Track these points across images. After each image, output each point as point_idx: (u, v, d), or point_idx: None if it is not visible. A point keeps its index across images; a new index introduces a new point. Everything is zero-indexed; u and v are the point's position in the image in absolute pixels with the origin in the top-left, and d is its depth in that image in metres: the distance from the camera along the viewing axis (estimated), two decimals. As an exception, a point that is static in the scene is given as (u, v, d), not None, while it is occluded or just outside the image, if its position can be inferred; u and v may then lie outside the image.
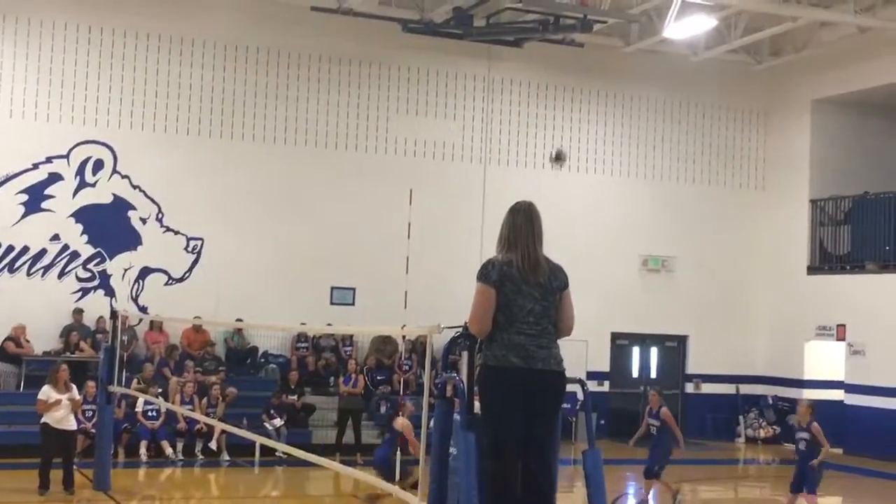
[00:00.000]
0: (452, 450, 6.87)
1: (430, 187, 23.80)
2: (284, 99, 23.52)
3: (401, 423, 16.39)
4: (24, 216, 21.70)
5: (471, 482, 6.38)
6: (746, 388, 26.54)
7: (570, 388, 6.96)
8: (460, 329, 6.91)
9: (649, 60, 25.66)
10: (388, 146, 24.22)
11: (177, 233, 22.77)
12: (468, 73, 24.94)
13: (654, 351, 26.65)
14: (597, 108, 26.01)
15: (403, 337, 22.18)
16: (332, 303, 23.49)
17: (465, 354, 6.85)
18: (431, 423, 7.46)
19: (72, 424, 15.66)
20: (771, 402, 26.10)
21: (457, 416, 6.83)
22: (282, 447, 14.57)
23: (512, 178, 24.29)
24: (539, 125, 25.47)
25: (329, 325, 20.49)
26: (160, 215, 22.65)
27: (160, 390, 19.99)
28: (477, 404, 6.69)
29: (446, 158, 24.70)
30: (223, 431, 19.45)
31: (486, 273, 6.61)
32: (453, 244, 23.87)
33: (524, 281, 6.61)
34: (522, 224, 6.76)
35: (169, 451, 19.80)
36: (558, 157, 15.22)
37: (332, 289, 23.69)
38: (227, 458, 19.89)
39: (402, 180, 23.45)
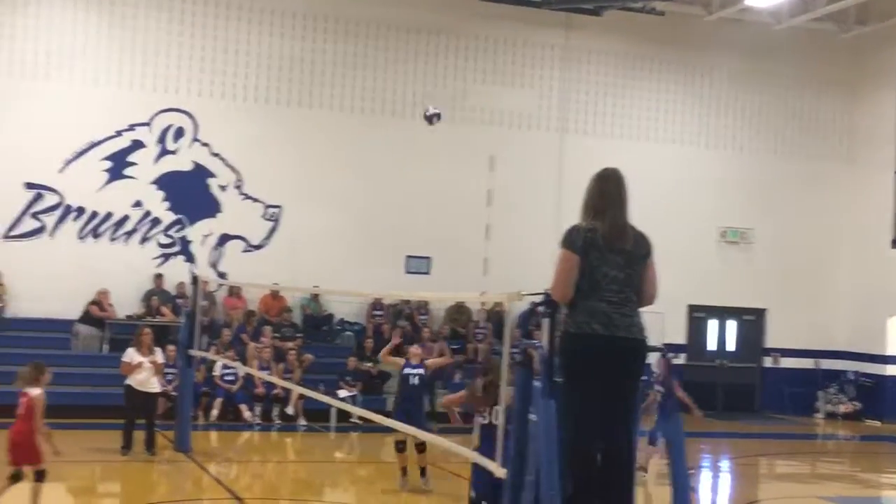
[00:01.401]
0: (532, 416, 6.87)
1: (507, 156, 23.79)
2: (362, 68, 23.59)
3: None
4: (107, 183, 22.09)
5: (551, 449, 6.38)
6: (827, 363, 26.17)
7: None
8: (541, 296, 6.88)
9: (731, 29, 25.28)
10: (466, 115, 24.18)
11: (255, 200, 23.02)
12: (545, 42, 24.78)
13: (731, 324, 26.36)
14: (676, 78, 25.70)
15: (483, 304, 22.26)
16: (407, 272, 23.59)
17: (546, 321, 6.83)
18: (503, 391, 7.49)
19: (154, 387, 15.97)
20: (853, 377, 25.71)
21: (537, 384, 6.82)
22: (358, 411, 14.67)
23: (589, 147, 24.13)
24: (617, 94, 25.26)
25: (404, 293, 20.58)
26: (239, 183, 22.91)
27: (237, 358, 20.27)
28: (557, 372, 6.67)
29: (523, 127, 24.62)
30: (300, 397, 19.71)
31: (571, 239, 6.57)
32: (530, 213, 23.82)
33: (609, 248, 6.56)
34: (612, 191, 6.70)
35: (247, 414, 20.11)
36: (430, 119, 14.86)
37: (408, 258, 23.79)
38: (303, 423, 20.15)
39: (480, 149, 23.49)
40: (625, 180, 6.79)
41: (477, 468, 9.17)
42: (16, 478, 11.03)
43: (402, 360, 14.25)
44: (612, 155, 23.01)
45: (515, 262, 22.22)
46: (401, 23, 23.82)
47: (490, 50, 24.47)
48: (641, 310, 6.81)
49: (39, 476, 11.04)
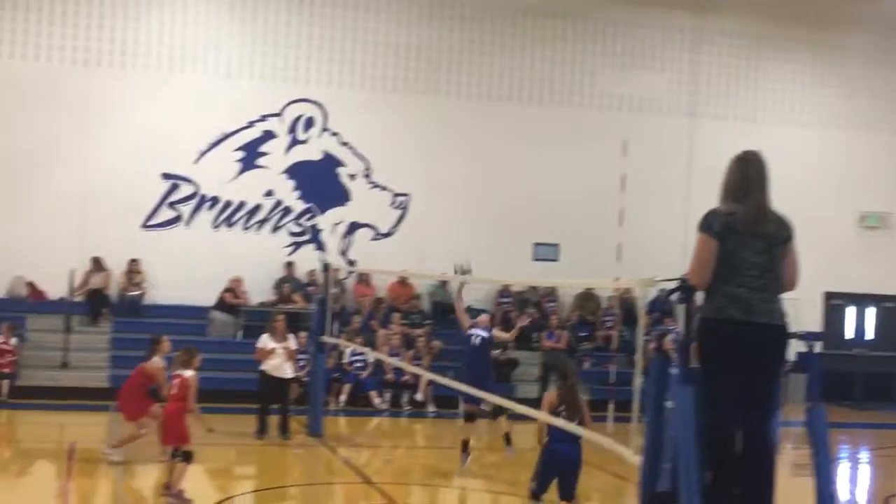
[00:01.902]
0: (668, 403, 6.74)
1: (636, 141, 23.42)
2: (489, 55, 23.57)
3: None
4: (240, 173, 22.54)
5: (688, 437, 6.26)
6: (971, 352, 25.22)
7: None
8: (677, 282, 6.74)
9: (865, 6, 24.46)
10: (594, 101, 23.98)
11: (384, 189, 23.21)
12: (676, 25, 24.36)
13: (870, 311, 25.56)
14: (809, 58, 25.01)
15: (616, 290, 22.05)
16: (534, 258, 23.52)
17: (682, 307, 6.69)
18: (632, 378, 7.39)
19: (287, 372, 16.26)
20: None
21: (673, 370, 6.69)
22: (487, 398, 14.63)
23: (720, 131, 23.66)
24: (749, 77, 24.73)
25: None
26: (368, 171, 23.13)
27: (366, 344, 20.46)
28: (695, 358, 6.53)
29: (652, 112, 24.28)
30: (429, 383, 19.81)
31: (709, 224, 6.41)
32: (659, 198, 23.48)
33: (749, 233, 6.39)
34: (753, 174, 6.52)
35: (377, 400, 20.33)
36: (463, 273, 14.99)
37: (536, 245, 23.71)
38: (432, 409, 20.26)
39: (608, 134, 23.21)
40: (766, 163, 6.60)
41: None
42: (176, 455, 11.40)
43: (469, 321, 14.19)
44: (745, 138, 22.37)
45: (646, 248, 21.88)
46: (527, 7, 23.72)
47: (619, 34, 24.18)
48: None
49: (186, 457, 11.37)
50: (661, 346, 7.65)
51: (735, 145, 7.18)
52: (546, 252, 23.63)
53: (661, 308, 21.65)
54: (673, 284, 6.75)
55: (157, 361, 13.77)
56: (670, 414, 6.65)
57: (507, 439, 13.91)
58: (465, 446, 13.94)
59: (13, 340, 19.41)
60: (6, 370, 19.09)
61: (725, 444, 6.35)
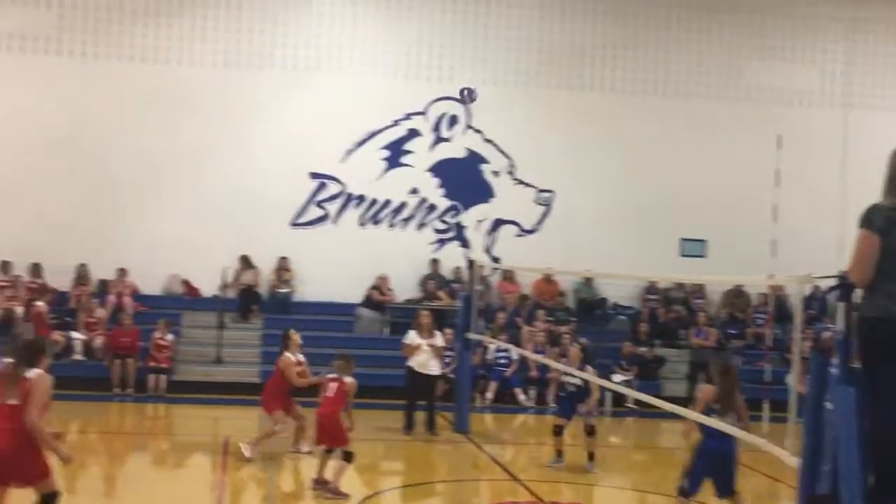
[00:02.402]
0: (828, 405, 6.53)
1: (788, 135, 22.79)
2: (633, 49, 23.29)
3: None
4: (385, 171, 22.80)
5: (850, 438, 6.05)
6: None
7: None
8: (835, 279, 6.53)
9: None
10: (745, 94, 23.46)
11: (528, 185, 23.17)
12: (830, 14, 23.62)
13: None
14: (973, 46, 23.95)
15: (771, 287, 21.55)
16: (681, 255, 23.15)
17: (841, 305, 6.46)
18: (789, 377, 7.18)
19: (434, 369, 16.36)
20: None
21: (833, 370, 6.47)
22: (634, 394, 14.50)
23: (876, 123, 22.83)
24: (906, 67, 23.83)
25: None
26: (512, 168, 23.12)
27: (511, 341, 20.45)
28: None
29: (805, 104, 23.61)
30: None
31: (870, 219, 6.17)
32: (813, 193, 22.81)
33: (912, 228, 6.12)
34: (919, 166, 6.24)
35: (522, 397, 20.30)
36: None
37: (682, 241, 23.34)
38: (578, 406, 20.07)
39: (760, 128, 22.70)
40: (928, 155, 6.31)
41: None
42: (329, 452, 11.77)
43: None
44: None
45: (798, 243, 21.28)
46: (674, 0, 23.34)
47: (769, 25, 23.59)
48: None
49: (347, 457, 11.62)
50: (818, 344, 7.42)
51: (892, 137, 6.92)
52: (693, 248, 23.24)
53: (816, 306, 21.08)
54: (831, 282, 6.54)
55: (287, 357, 14.04)
56: (830, 415, 6.44)
57: (591, 456, 13.78)
58: (559, 453, 14.08)
59: (169, 336, 20.05)
60: (163, 365, 19.73)
61: (889, 447, 6.11)
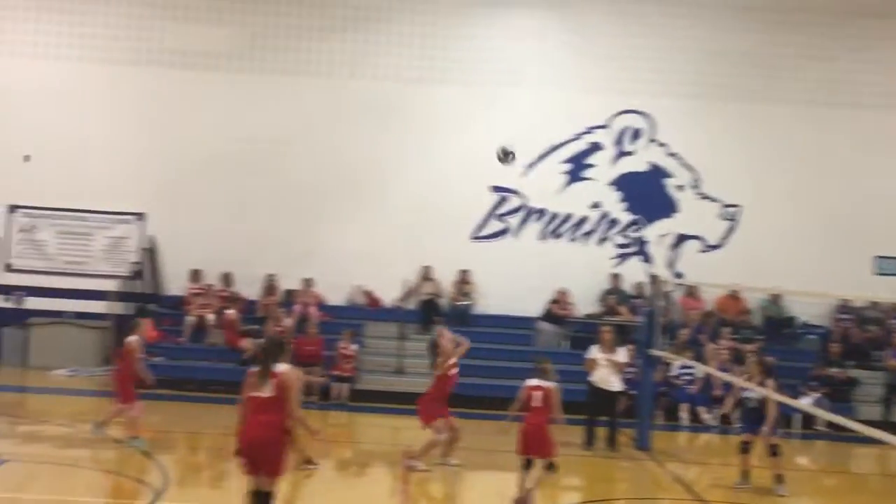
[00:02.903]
0: None
1: None
2: (818, 59, 22.60)
3: None
4: (567, 185, 22.71)
5: None
6: None
7: None
8: None
9: None
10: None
11: (713, 200, 22.69)
12: None
13: None
14: None
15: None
16: (877, 272, 22.23)
17: None
18: None
19: (614, 385, 16.14)
20: None
21: None
22: (826, 416, 13.92)
23: None
24: None
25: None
26: (696, 182, 22.69)
27: (695, 358, 20.00)
28: None
29: None
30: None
31: None
32: None
33: None
34: None
35: (705, 416, 19.83)
36: (505, 155, 13.54)
37: (877, 258, 22.41)
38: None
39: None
40: None
41: None
42: (528, 465, 11.72)
43: None
44: None
45: None
46: (859, 9, 22.48)
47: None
48: None
49: (550, 467, 11.56)
50: None
51: None
52: (889, 266, 22.28)
53: None
54: None
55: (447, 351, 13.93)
56: None
57: (778, 478, 13.25)
58: (744, 474, 13.68)
59: (353, 346, 20.43)
60: (347, 374, 20.11)
61: None
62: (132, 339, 14.35)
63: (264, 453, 8.77)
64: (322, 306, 21.96)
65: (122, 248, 22.55)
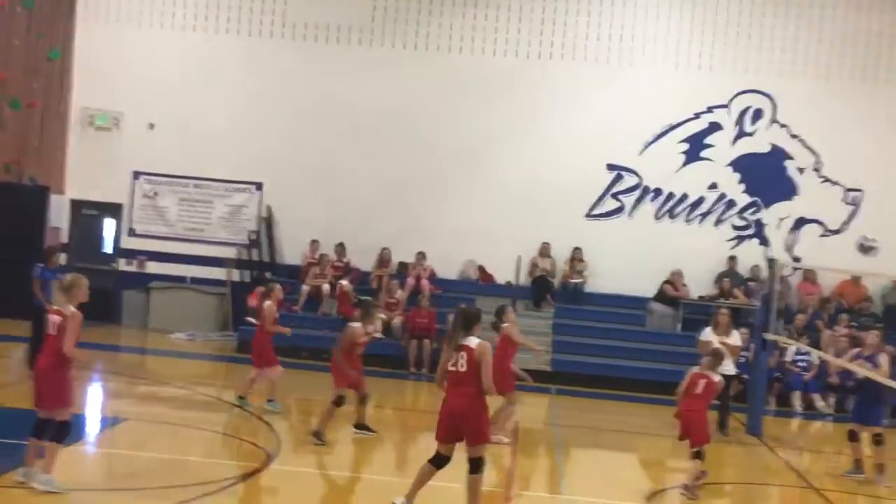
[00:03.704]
0: None
1: None
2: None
3: None
4: (684, 164, 22.43)
5: None
6: None
7: None
8: None
9: None
10: None
11: (835, 183, 22.19)
12: None
13: None
14: None
15: None
16: None
17: None
18: None
19: (728, 369, 15.88)
20: None
21: None
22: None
23: None
24: None
25: None
26: (818, 165, 22.21)
27: (811, 344, 19.63)
28: None
29: None
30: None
31: None
32: None
33: None
34: None
35: (820, 404, 19.46)
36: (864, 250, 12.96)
37: None
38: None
39: None
40: None
41: None
42: (697, 455, 11.66)
43: None
44: None
45: None
46: None
47: None
48: None
49: (697, 455, 11.53)
50: None
51: None
52: None
53: None
54: None
55: (508, 327, 13.56)
56: None
57: (880, 469, 12.89)
58: (857, 463, 13.36)
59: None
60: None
61: None
62: (267, 303, 14.61)
63: (466, 423, 9.07)
64: (434, 279, 22.11)
65: (241, 216, 23.02)
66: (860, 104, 22.05)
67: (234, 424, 13.75)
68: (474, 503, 9.21)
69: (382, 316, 20.02)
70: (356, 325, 13.01)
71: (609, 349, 20.67)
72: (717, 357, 12.17)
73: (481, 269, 22.62)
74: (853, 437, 13.40)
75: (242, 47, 23.05)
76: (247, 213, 23.03)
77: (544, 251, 22.25)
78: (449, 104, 22.61)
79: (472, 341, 9.08)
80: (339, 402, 12.61)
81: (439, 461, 9.31)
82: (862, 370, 13.14)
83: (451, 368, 9.14)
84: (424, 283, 21.68)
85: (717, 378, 11.89)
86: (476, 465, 9.16)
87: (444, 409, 9.25)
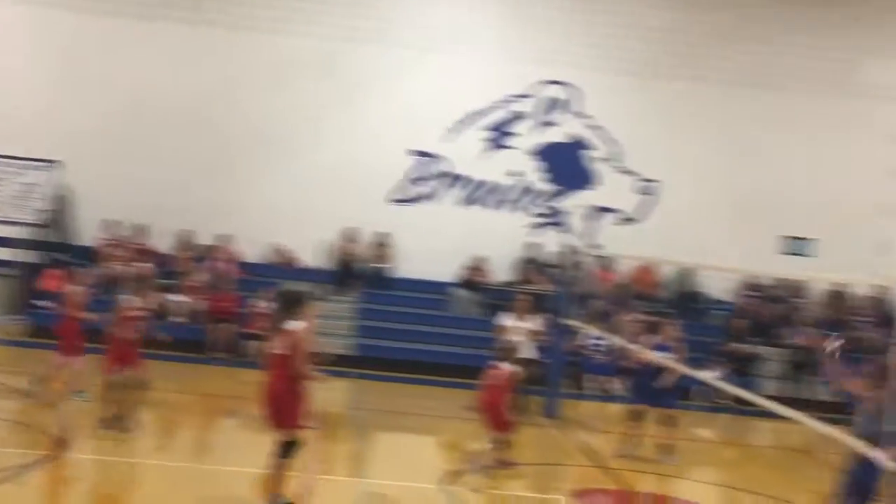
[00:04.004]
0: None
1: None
2: (741, 40, 22.91)
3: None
4: (488, 151, 22.79)
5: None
6: None
7: None
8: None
9: None
10: (853, 90, 22.89)
11: (632, 174, 22.97)
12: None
13: None
14: None
15: (877, 289, 21.16)
16: (785, 252, 22.75)
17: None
18: None
19: (525, 352, 16.28)
20: None
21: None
22: (729, 389, 14.29)
23: None
24: None
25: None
26: (617, 156, 22.93)
27: (606, 330, 20.30)
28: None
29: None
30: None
31: None
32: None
33: None
34: None
35: (615, 386, 20.13)
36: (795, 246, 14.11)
37: (785, 238, 22.92)
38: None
39: (870, 126, 22.22)
40: None
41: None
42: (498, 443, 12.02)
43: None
44: None
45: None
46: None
47: (884, 21, 22.95)
48: None
49: (498, 443, 11.88)
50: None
51: None
52: (796, 245, 22.80)
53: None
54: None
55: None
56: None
57: (668, 449, 13.57)
58: (630, 439, 14.00)
59: (268, 305, 20.29)
60: (261, 332, 19.99)
61: None
62: (72, 288, 14.02)
63: (277, 407, 8.99)
64: (239, 263, 21.81)
65: (34, 195, 22.11)
66: (658, 97, 22.88)
67: (26, 411, 13.24)
68: (276, 488, 9.10)
69: (182, 299, 19.63)
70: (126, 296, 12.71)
71: (413, 334, 20.86)
72: (507, 350, 12.52)
73: (286, 252, 22.44)
74: (639, 416, 13.91)
75: (41, 17, 22.07)
76: (40, 192, 22.12)
77: (350, 235, 22.25)
78: (256, 86, 22.30)
79: (290, 325, 8.97)
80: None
81: (287, 450, 9.12)
82: (657, 357, 13.65)
83: (271, 352, 9.06)
84: (228, 266, 21.35)
85: (509, 368, 12.14)
86: (284, 450, 9.05)
87: (263, 393, 9.13)
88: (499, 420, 11.89)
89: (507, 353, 12.40)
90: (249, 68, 22.34)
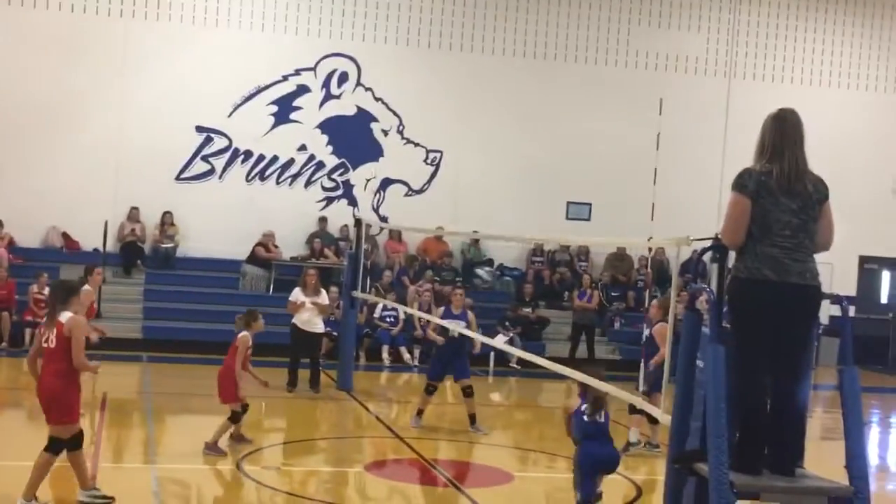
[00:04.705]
0: (699, 363, 6.71)
1: (673, 101, 23.28)
2: (524, 11, 23.42)
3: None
4: (273, 127, 22.55)
5: (718, 396, 6.22)
6: None
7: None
8: (709, 241, 6.68)
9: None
10: (630, 59, 23.79)
11: (417, 145, 23.18)
12: (716, -17, 24.12)
13: (905, 276, 25.32)
14: (852, 20, 24.69)
15: (650, 250, 22.07)
16: (567, 217, 23.47)
17: (715, 266, 6.63)
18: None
19: (318, 327, 16.32)
20: None
21: (705, 329, 6.65)
22: (519, 353, 14.65)
23: (757, 92, 23.36)
24: (788, 37, 24.45)
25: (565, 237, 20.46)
26: (401, 127, 23.09)
27: (397, 300, 20.51)
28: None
29: (689, 72, 24.07)
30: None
31: (742, 183, 6.31)
32: (695, 159, 23.34)
33: (783, 192, 6.27)
34: (789, 132, 6.40)
35: (407, 356, 20.40)
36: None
37: (569, 203, 23.63)
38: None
39: (645, 94, 23.10)
40: (802, 122, 6.49)
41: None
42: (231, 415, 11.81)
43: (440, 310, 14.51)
44: (783, 101, 22.20)
45: (680, 207, 21.85)
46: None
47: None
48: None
49: (233, 417, 11.64)
50: (693, 305, 7.58)
51: (771, 106, 7.06)
52: (579, 211, 23.57)
53: (693, 268, 21.55)
54: (706, 244, 6.69)
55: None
56: (700, 373, 6.62)
57: (472, 419, 13.91)
58: (419, 413, 14.05)
59: (47, 290, 19.54)
60: (40, 319, 19.23)
61: (754, 405, 6.30)
62: None
63: (51, 401, 8.76)
64: (14, 248, 20.89)
65: None
66: (440, 69, 23.12)
67: None
68: (36, 483, 8.77)
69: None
70: None
71: (202, 314, 20.51)
72: (246, 317, 12.39)
73: (66, 235, 21.61)
74: (431, 390, 14.03)
75: None
76: None
77: (133, 216, 21.64)
78: (27, 61, 21.30)
79: (64, 316, 8.74)
80: None
81: (55, 446, 8.83)
82: (449, 324, 13.79)
83: (44, 345, 8.80)
84: (1, 251, 20.42)
85: (241, 335, 12.12)
86: (53, 445, 8.79)
87: (38, 387, 8.88)
88: (227, 392, 11.87)
89: (245, 319, 12.28)
90: (20, 43, 21.32)
